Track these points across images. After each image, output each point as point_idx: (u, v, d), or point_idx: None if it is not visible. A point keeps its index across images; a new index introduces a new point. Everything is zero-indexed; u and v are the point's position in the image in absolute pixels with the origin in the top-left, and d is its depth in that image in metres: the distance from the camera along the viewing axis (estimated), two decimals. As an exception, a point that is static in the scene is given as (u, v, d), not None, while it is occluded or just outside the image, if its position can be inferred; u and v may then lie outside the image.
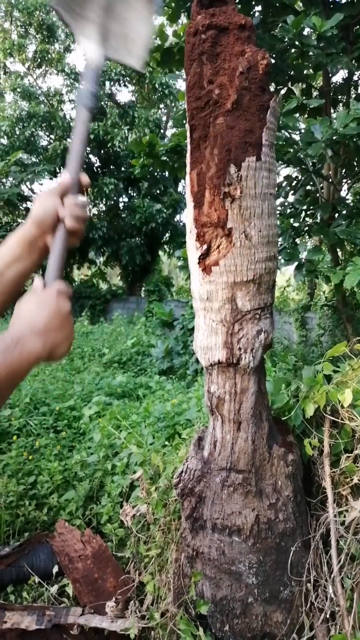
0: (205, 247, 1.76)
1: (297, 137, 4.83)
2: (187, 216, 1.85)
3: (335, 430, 2.04)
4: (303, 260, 5.13)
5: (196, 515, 1.94)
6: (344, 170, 5.90)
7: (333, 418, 2.01)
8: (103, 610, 2.44)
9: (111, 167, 17.27)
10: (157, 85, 16.88)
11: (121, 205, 18.11)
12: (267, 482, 1.91)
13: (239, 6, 4.69)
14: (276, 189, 1.88)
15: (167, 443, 3.18)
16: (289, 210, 6.06)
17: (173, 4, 4.80)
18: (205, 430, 2.15)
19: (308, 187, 6.02)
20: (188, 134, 1.78)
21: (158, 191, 17.48)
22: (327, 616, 1.84)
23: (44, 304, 0.98)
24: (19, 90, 17.04)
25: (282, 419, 2.21)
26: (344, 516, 1.87)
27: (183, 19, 5.30)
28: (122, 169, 17.18)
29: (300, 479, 2.02)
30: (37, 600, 2.64)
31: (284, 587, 1.91)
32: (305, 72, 5.23)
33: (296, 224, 5.81)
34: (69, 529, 2.82)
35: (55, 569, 2.70)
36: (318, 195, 5.80)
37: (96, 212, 18.54)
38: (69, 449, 3.78)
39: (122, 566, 2.67)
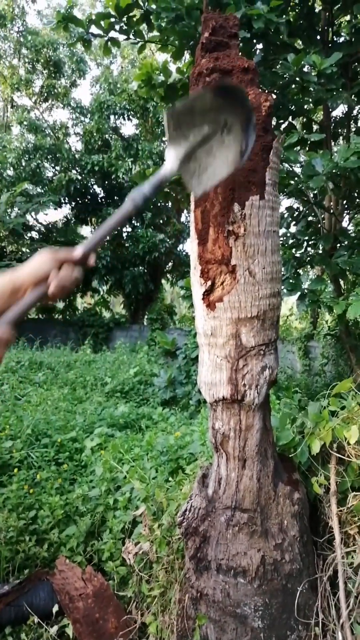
0: (209, 283, 1.77)
1: (298, 170, 4.91)
2: (191, 252, 1.86)
3: (342, 468, 2.01)
4: (305, 290, 5.14)
5: (200, 555, 1.90)
6: (345, 202, 5.97)
7: (339, 455, 1.99)
8: (104, 653, 2.37)
9: (115, 197, 17.53)
10: (160, 119, 17.25)
11: (125, 234, 18.29)
12: (272, 521, 1.87)
13: (241, 44, 4.83)
14: (279, 225, 1.90)
15: (170, 478, 3.13)
16: (291, 241, 6.11)
17: (177, 42, 4.94)
18: (210, 467, 2.12)
19: (310, 218, 6.09)
20: (192, 172, 1.80)
21: (161, 221, 17.68)
22: (336, 663, 1.78)
23: None
24: (25, 123, 17.43)
25: (288, 455, 2.18)
26: (352, 557, 1.83)
27: (186, 56, 5.46)
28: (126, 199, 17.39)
29: (306, 518, 1.98)
30: (36, 642, 2.57)
31: (291, 632, 1.85)
32: (305, 107, 5.35)
33: (298, 255, 5.85)
34: (70, 566, 2.75)
35: (56, 608, 2.63)
36: (320, 226, 5.86)
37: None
38: (71, 482, 3.72)
39: (124, 606, 2.60)
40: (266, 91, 1.75)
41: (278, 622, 1.84)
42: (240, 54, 1.87)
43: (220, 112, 1.30)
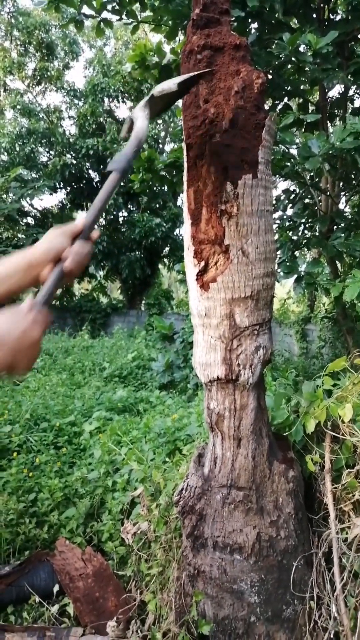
0: (202, 264, 1.77)
1: (294, 152, 4.88)
2: (184, 233, 1.86)
3: (337, 446, 2.03)
4: (302, 272, 5.14)
5: (197, 533, 1.93)
6: (341, 184, 5.94)
7: (334, 433, 2.00)
8: (104, 630, 2.41)
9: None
10: (155, 101, 17.03)
11: (121, 219, 18.21)
12: (268, 499, 1.89)
13: (235, 24, 4.76)
14: (273, 205, 1.89)
15: (167, 459, 3.16)
16: (287, 224, 6.09)
17: (170, 22, 4.87)
18: (206, 447, 2.14)
19: (306, 201, 6.06)
20: (185, 152, 1.79)
21: (157, 205, 17.58)
22: (331, 636, 1.82)
23: (20, 325, 1.03)
24: (18, 107, 17.23)
25: (283, 434, 2.20)
26: (347, 533, 1.86)
27: (180, 37, 5.38)
28: (122, 183, 17.27)
29: (301, 496, 2.00)
30: (38, 621, 2.61)
31: (286, 606, 1.88)
32: (301, 87, 5.28)
33: (295, 237, 5.84)
34: (70, 547, 2.79)
35: (56, 588, 2.67)
36: (316, 208, 5.83)
37: (96, 227, 18.61)
38: (70, 465, 3.76)
39: (124, 585, 2.64)
40: (261, 71, 1.73)
41: (274, 597, 1.87)
42: (234, 33, 1.84)
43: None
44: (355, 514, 1.90)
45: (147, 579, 2.44)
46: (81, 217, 1.20)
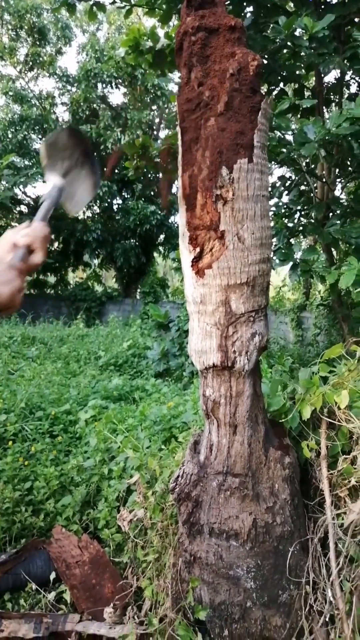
0: (198, 250, 1.75)
1: (290, 138, 4.83)
2: (179, 219, 1.83)
3: (332, 432, 2.03)
4: (298, 260, 5.11)
5: (193, 520, 1.93)
6: (337, 170, 5.90)
7: (330, 420, 2.00)
8: (101, 616, 2.42)
9: (104, 169, 17.25)
10: (149, 87, 16.87)
11: (115, 207, 18.07)
12: (264, 485, 1.90)
13: (230, 7, 4.69)
14: (269, 190, 1.87)
15: (163, 447, 3.17)
16: (283, 210, 6.05)
17: (164, 6, 4.79)
18: (201, 434, 2.14)
19: (302, 187, 6.01)
20: (179, 136, 1.76)
21: (152, 193, 17.48)
22: (327, 620, 1.83)
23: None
24: (10, 93, 16.98)
25: (279, 421, 2.20)
26: (342, 518, 1.86)
27: (175, 21, 5.29)
28: (116, 170, 17.15)
29: (297, 482, 2.01)
30: (35, 608, 2.62)
31: (282, 591, 1.89)
32: (297, 72, 5.22)
33: (290, 224, 5.80)
34: (66, 535, 2.80)
35: (53, 576, 2.68)
36: (312, 195, 5.79)
37: (90, 215, 18.51)
38: (65, 453, 3.76)
39: (120, 571, 2.65)
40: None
41: (270, 582, 1.88)
42: (229, 15, 1.81)
43: (74, 149, 1.52)
44: (351, 499, 1.90)
45: (143, 566, 2.45)
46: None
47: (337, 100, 5.95)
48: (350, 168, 5.69)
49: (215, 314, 1.76)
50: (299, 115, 5.32)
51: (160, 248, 19.03)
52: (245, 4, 4.74)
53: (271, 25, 4.36)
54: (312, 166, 5.78)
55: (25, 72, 18.50)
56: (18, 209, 17.36)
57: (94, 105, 16.88)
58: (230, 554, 1.86)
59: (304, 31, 4.08)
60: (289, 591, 1.90)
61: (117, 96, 27.02)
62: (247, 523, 1.82)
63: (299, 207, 5.94)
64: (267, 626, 1.89)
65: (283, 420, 2.15)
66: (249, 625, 1.89)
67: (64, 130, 1.53)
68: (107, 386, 5.62)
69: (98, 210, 18.05)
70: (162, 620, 2.15)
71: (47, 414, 4.28)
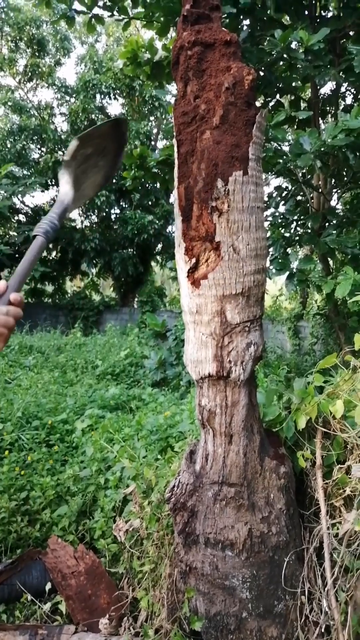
0: (193, 260, 1.77)
1: (286, 149, 4.88)
2: (175, 230, 1.86)
3: (328, 442, 2.04)
4: (294, 269, 5.15)
5: (189, 530, 1.93)
6: (333, 181, 5.95)
7: (325, 429, 2.01)
8: (97, 627, 2.41)
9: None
10: (147, 98, 17.01)
11: (113, 216, 18.14)
12: (259, 495, 1.90)
13: (227, 20, 4.75)
14: (264, 202, 1.89)
15: (159, 456, 3.16)
16: (279, 220, 6.09)
17: (162, 18, 4.85)
18: (197, 443, 2.14)
19: (298, 198, 6.06)
20: (175, 148, 1.79)
21: (150, 203, 17.55)
22: (322, 630, 1.82)
23: None
24: (9, 104, 17.11)
25: (274, 431, 2.21)
26: (337, 528, 1.87)
27: (172, 33, 5.36)
28: (114, 180, 17.25)
29: (292, 492, 2.01)
30: (30, 619, 2.61)
31: (278, 601, 1.89)
32: (293, 84, 5.28)
33: (287, 234, 5.84)
34: (62, 545, 2.78)
35: (48, 586, 2.67)
36: (308, 205, 5.84)
37: (88, 224, 18.58)
38: (62, 463, 3.74)
39: (116, 582, 2.64)
40: (252, 67, 1.73)
41: (265, 592, 1.88)
42: (225, 29, 1.84)
43: (105, 138, 1.45)
44: (346, 509, 1.90)
45: (139, 576, 2.44)
46: (2, 281, 1.18)
47: (332, 111, 6.02)
48: (346, 179, 5.75)
49: (211, 324, 1.78)
50: (295, 127, 5.38)
51: (158, 257, 19.10)
52: (241, 17, 4.81)
53: (267, 38, 4.42)
54: (309, 177, 5.84)
55: (25, 82, 18.65)
56: (16, 218, 17.41)
57: (93, 115, 16.99)
58: (226, 564, 1.86)
59: (299, 44, 4.13)
60: (284, 601, 1.90)
61: (115, 107, 27.21)
62: (243, 533, 1.83)
63: (295, 217, 5.99)
64: (263, 637, 1.88)
65: (278, 429, 2.16)
66: (244, 636, 1.88)
67: (114, 121, 1.46)
68: (104, 395, 5.61)
69: (96, 220, 18.11)
70: (158, 631, 2.14)
71: (44, 423, 4.27)
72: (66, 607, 2.53)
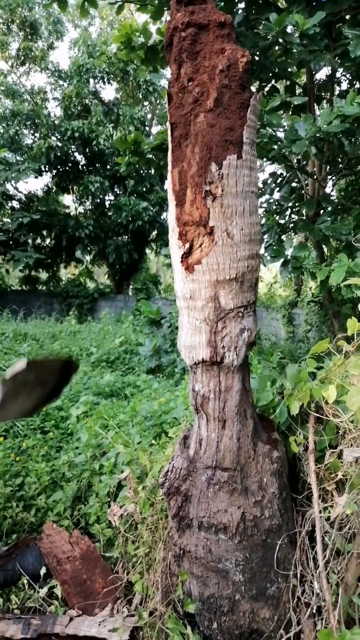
0: (187, 245, 1.76)
1: (281, 135, 4.84)
2: (169, 215, 1.84)
3: (320, 427, 2.05)
4: (289, 257, 5.14)
5: (182, 514, 1.94)
6: (328, 167, 5.92)
7: (318, 414, 2.02)
8: (92, 610, 2.43)
9: (96, 165, 17.18)
10: (141, 83, 16.81)
11: (107, 203, 18.02)
12: (252, 479, 1.91)
13: (222, 4, 4.69)
14: (258, 187, 1.88)
15: (154, 442, 3.18)
16: (274, 207, 6.07)
17: (156, 2, 4.78)
18: (191, 429, 2.15)
19: (293, 184, 6.04)
20: (169, 132, 1.77)
21: (144, 189, 17.43)
22: (314, 611, 1.85)
23: None
24: (2, 88, 16.90)
25: (267, 416, 2.22)
26: (329, 512, 1.88)
27: (166, 17, 5.28)
28: (108, 167, 17.10)
29: (285, 476, 2.03)
30: (26, 602, 2.63)
31: (270, 584, 1.91)
32: (288, 69, 5.23)
33: (282, 221, 5.82)
34: (57, 531, 2.80)
35: (44, 571, 2.69)
36: (303, 192, 5.82)
37: (82, 211, 18.46)
38: (57, 449, 3.76)
39: (111, 566, 2.67)
40: (246, 50, 1.70)
41: (258, 575, 1.90)
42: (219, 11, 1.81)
43: (50, 373, 1.45)
44: (337, 493, 1.92)
45: (133, 560, 2.46)
46: None
47: (328, 97, 5.97)
48: (341, 165, 5.72)
49: (205, 309, 1.77)
50: (290, 113, 5.33)
51: (153, 244, 19.01)
52: (236, 0, 4.74)
53: (262, 22, 4.36)
54: (303, 163, 5.81)
55: (17, 66, 18.40)
56: (10, 204, 17.26)
57: (86, 100, 16.80)
58: (219, 547, 1.88)
59: (295, 28, 4.08)
60: (277, 584, 1.92)
61: (109, 92, 26.96)
62: (236, 517, 1.84)
63: (290, 204, 5.97)
64: (256, 618, 1.91)
65: (271, 415, 2.17)
66: (237, 617, 1.91)
67: (67, 361, 1.44)
68: (99, 382, 5.62)
69: (90, 206, 17.99)
70: (152, 613, 2.17)
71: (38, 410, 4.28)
72: (62, 592, 2.55)
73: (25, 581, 2.67)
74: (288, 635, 1.88)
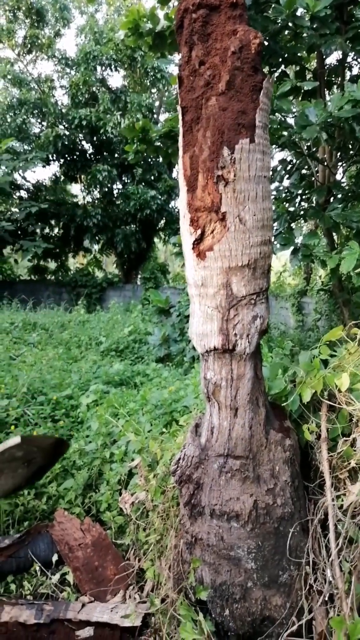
0: (199, 232, 1.74)
1: (291, 121, 4.78)
2: (180, 201, 1.82)
3: (333, 415, 2.03)
4: (299, 244, 5.09)
5: (194, 501, 1.94)
6: (339, 153, 5.84)
7: (330, 402, 2.00)
8: (104, 597, 2.45)
9: (104, 153, 17.11)
10: (149, 70, 16.66)
11: (115, 192, 17.97)
12: (264, 467, 1.90)
13: (231, -14, 4.60)
14: (270, 171, 1.85)
15: (164, 430, 3.18)
16: (284, 195, 6.01)
17: (164, -15, 4.71)
18: (202, 417, 2.14)
19: (303, 171, 5.97)
20: (180, 116, 1.74)
21: (152, 177, 17.35)
22: (326, 599, 1.85)
23: None
24: (9, 76, 16.82)
25: (279, 404, 2.20)
26: (342, 500, 1.87)
27: (174, 2, 5.20)
28: (116, 155, 17.02)
29: (297, 464, 2.02)
30: (39, 589, 2.65)
31: (282, 571, 1.91)
32: (298, 54, 5.14)
33: (291, 208, 5.77)
34: (69, 518, 2.82)
35: (55, 558, 2.71)
36: (313, 178, 5.75)
37: (90, 200, 18.41)
38: (67, 437, 3.78)
39: (122, 553, 2.68)
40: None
41: (270, 563, 1.90)
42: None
43: (40, 451, 1.38)
44: (350, 481, 1.91)
45: (145, 547, 2.47)
46: None
47: (338, 82, 5.87)
48: (352, 151, 5.64)
49: (217, 296, 1.76)
50: (300, 98, 5.25)
51: (161, 233, 18.96)
52: (246, -18, 4.65)
53: (272, 5, 4.29)
54: (314, 149, 5.73)
55: (24, 54, 18.29)
56: (18, 194, 17.26)
57: (94, 88, 16.69)
58: (231, 535, 1.88)
59: (305, 11, 4.01)
60: (289, 571, 1.92)
61: (116, 79, 26.78)
62: (248, 505, 1.84)
63: (300, 191, 5.90)
64: (268, 606, 1.91)
65: (284, 403, 2.16)
66: (249, 605, 1.91)
67: (58, 441, 1.42)
68: (109, 371, 5.64)
69: (98, 195, 17.94)
70: (164, 600, 2.18)
71: (49, 399, 4.30)
72: (73, 578, 2.58)
73: (38, 568, 2.69)
74: (300, 622, 1.88)
